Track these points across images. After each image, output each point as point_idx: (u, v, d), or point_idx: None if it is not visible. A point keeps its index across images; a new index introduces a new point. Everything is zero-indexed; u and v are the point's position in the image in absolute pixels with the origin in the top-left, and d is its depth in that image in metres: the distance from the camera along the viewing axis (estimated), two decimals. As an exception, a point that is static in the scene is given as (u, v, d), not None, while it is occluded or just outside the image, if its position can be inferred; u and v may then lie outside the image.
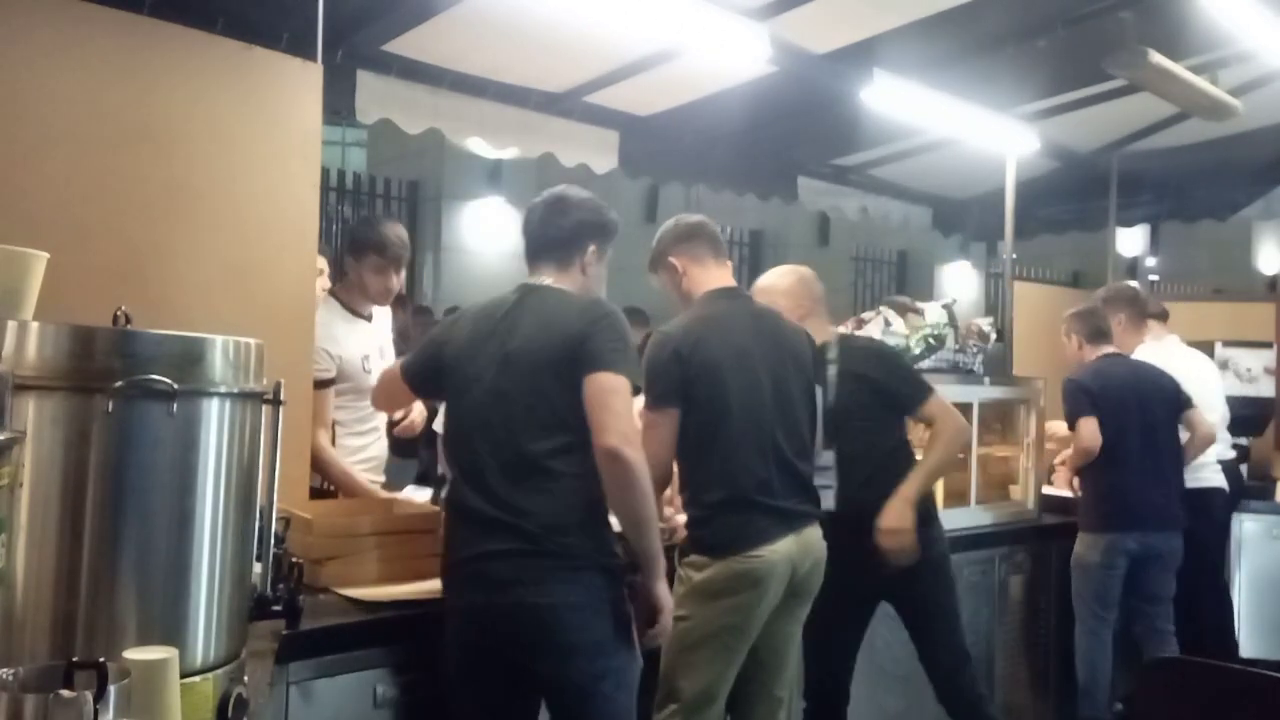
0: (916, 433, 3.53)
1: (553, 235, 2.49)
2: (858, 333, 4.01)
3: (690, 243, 2.92)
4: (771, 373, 2.76)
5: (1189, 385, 4.43)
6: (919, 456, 3.32)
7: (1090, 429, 4.14)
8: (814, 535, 2.78)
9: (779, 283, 3.33)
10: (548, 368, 2.28)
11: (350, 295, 3.41)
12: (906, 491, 3.11)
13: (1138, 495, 4.15)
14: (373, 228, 3.45)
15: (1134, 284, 6.11)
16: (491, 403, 2.29)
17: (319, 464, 3.15)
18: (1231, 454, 5.16)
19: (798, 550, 2.69)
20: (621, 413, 2.24)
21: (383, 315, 3.54)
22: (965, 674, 3.30)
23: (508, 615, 2.22)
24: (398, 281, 3.42)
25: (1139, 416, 4.19)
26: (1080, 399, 4.20)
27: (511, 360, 2.30)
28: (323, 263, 3.63)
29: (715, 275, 2.89)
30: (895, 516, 3.08)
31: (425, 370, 2.52)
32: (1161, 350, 4.76)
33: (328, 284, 3.51)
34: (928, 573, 3.20)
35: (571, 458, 2.25)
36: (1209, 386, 4.87)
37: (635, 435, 2.28)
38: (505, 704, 2.31)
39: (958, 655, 3.30)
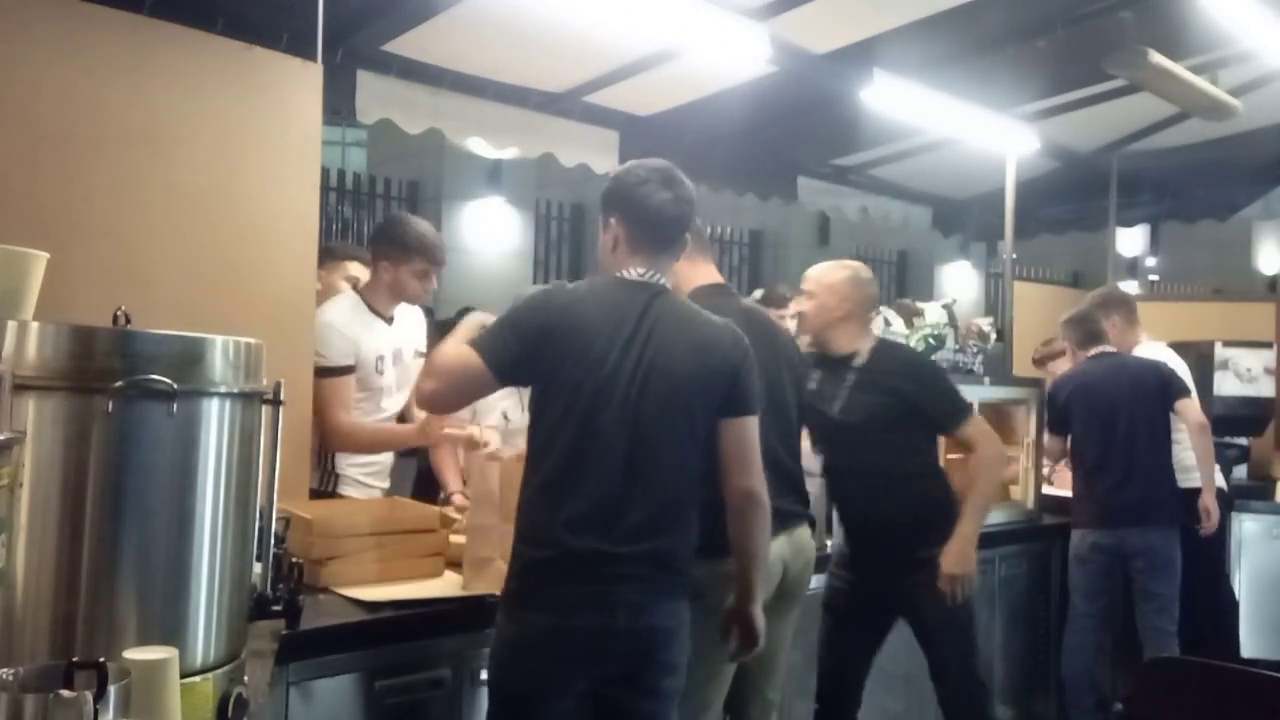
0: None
1: (680, 217, 2.31)
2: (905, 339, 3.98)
3: None
4: (766, 373, 2.76)
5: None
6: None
7: (1051, 444, 4.38)
8: (804, 535, 2.79)
9: (827, 275, 3.25)
10: (696, 397, 2.21)
11: (375, 295, 3.33)
12: (965, 531, 3.04)
13: (1111, 493, 4.18)
14: (413, 230, 3.33)
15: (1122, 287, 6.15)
16: (627, 418, 2.16)
17: (348, 440, 3.15)
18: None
19: (789, 550, 2.70)
20: (758, 455, 2.27)
21: (403, 318, 3.45)
22: (969, 698, 3.22)
23: (628, 637, 2.16)
24: (436, 283, 3.39)
25: (1115, 415, 4.22)
26: (1049, 411, 4.36)
27: (656, 377, 2.17)
28: (360, 268, 3.62)
29: (702, 271, 2.83)
30: (957, 560, 3.02)
31: (516, 359, 2.20)
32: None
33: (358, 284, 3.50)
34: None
35: (697, 487, 2.24)
36: None
37: (764, 477, 2.28)
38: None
39: (966, 676, 3.20)
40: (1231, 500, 5.04)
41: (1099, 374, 4.31)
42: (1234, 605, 5.05)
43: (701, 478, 2.25)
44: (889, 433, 3.10)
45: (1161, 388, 4.32)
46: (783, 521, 2.68)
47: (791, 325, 5.49)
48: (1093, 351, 4.40)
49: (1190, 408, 4.36)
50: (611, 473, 2.15)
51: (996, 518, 4.32)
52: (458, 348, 2.23)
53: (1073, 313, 4.60)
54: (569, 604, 2.12)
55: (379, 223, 8.15)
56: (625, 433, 2.15)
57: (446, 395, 2.31)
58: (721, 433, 2.24)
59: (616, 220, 2.31)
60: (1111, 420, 4.21)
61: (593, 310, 2.21)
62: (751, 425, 2.26)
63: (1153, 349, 4.73)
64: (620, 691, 2.21)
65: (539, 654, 2.14)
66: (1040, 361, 5.27)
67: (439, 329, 3.48)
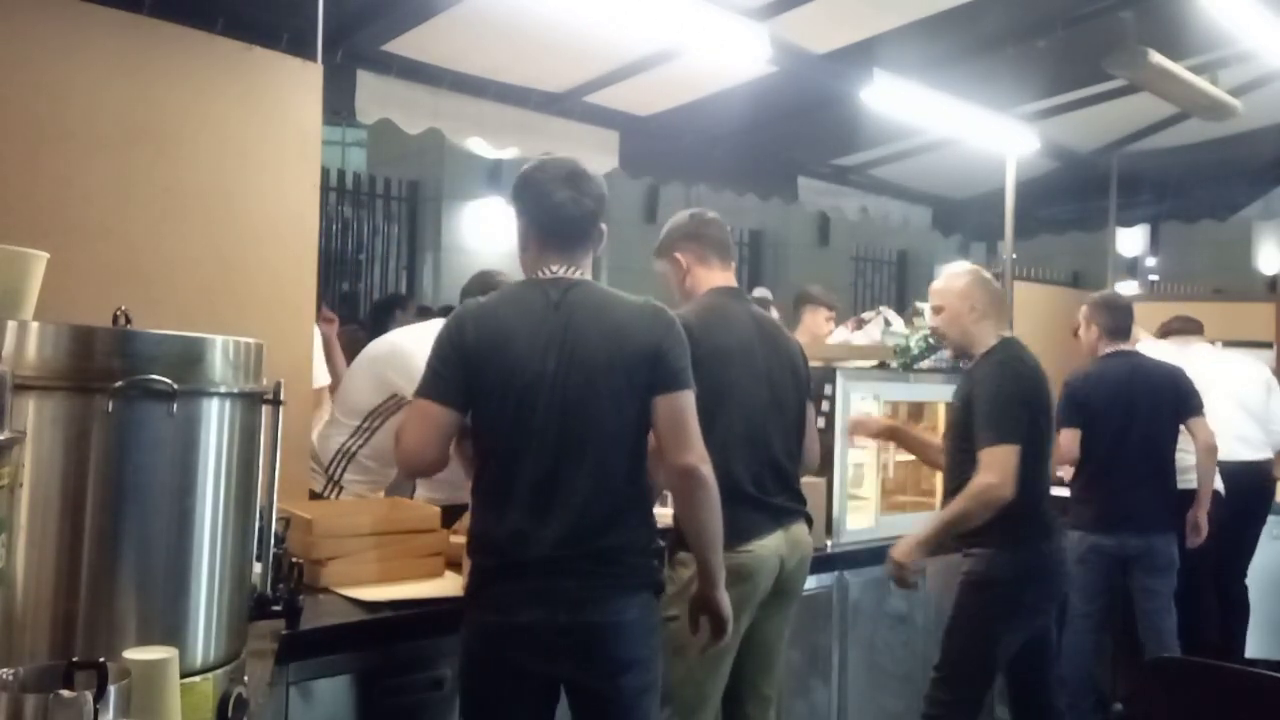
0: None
1: (582, 216, 2.28)
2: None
3: (698, 242, 2.88)
4: (770, 373, 2.77)
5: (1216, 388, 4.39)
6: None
7: (1068, 440, 4.17)
8: (801, 532, 2.80)
9: (952, 283, 3.29)
10: (619, 381, 2.18)
11: None
12: (919, 531, 3.08)
13: (1113, 500, 4.11)
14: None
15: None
16: (553, 415, 2.15)
17: None
18: (1265, 455, 5.08)
19: (786, 546, 2.71)
20: (696, 430, 2.21)
21: None
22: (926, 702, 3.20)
23: (570, 633, 2.15)
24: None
25: (1129, 420, 4.14)
26: (1066, 407, 4.19)
27: (576, 369, 2.16)
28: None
29: (719, 277, 2.89)
30: (901, 550, 3.06)
31: (459, 386, 2.19)
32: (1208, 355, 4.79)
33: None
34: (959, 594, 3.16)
35: (637, 474, 2.24)
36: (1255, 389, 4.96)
37: (706, 452, 2.24)
38: (533, 714, 2.26)
39: (933, 683, 3.19)
40: (1258, 503, 5.00)
41: (1116, 377, 4.20)
42: (1245, 607, 5.04)
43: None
44: (961, 439, 3.13)
45: (1178, 400, 4.25)
46: (779, 518, 2.71)
47: (830, 326, 5.48)
48: (1114, 348, 4.30)
49: (1202, 427, 4.28)
50: (544, 473, 2.15)
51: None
52: (410, 406, 2.26)
53: (1108, 296, 4.49)
54: (512, 603, 2.15)
55: None
56: (554, 431, 2.15)
57: (423, 452, 2.20)
58: (654, 411, 2.20)
59: (525, 222, 2.31)
60: (1124, 428, 4.13)
61: (505, 316, 2.20)
62: (685, 399, 2.21)
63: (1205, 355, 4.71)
64: (589, 683, 2.23)
65: (491, 653, 2.18)
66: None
67: (420, 315, 3.50)
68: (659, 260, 2.96)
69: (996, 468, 2.94)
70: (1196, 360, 4.69)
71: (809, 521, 2.86)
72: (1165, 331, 5.21)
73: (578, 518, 2.15)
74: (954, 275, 3.34)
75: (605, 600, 2.17)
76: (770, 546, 2.66)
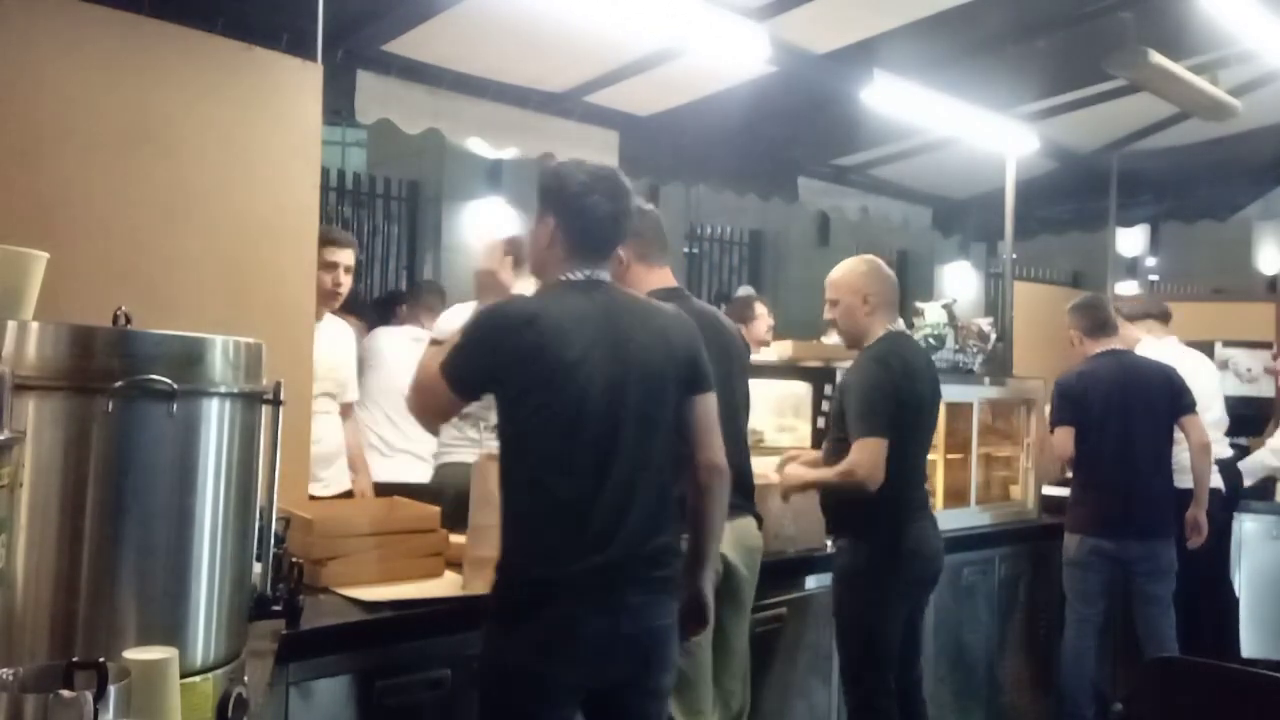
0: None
1: (617, 224, 2.28)
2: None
3: (639, 236, 2.71)
4: (718, 370, 2.74)
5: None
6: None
7: (1063, 438, 4.15)
8: (747, 525, 2.83)
9: (848, 277, 3.30)
10: (669, 384, 2.23)
11: None
12: (806, 475, 3.23)
13: (1114, 503, 4.09)
14: None
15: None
16: (619, 419, 2.14)
17: None
18: (1229, 453, 5.15)
19: (731, 537, 2.72)
20: (719, 429, 2.32)
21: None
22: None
23: (633, 641, 2.15)
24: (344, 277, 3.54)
25: (1124, 420, 4.12)
26: (1060, 405, 4.18)
27: (633, 373, 2.17)
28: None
29: (658, 275, 2.84)
30: (789, 480, 3.22)
31: (493, 374, 2.17)
32: (1160, 350, 4.75)
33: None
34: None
35: (675, 475, 2.26)
36: (1206, 387, 4.86)
37: None
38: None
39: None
40: (1234, 501, 5.02)
41: (1108, 376, 4.17)
42: (1234, 605, 5.04)
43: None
44: (836, 428, 3.23)
45: (1172, 398, 4.22)
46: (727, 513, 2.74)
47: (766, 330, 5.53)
48: (1104, 346, 4.27)
49: (1195, 425, 4.25)
50: (620, 480, 2.13)
51: (997, 518, 4.33)
52: (431, 367, 2.22)
53: (1080, 299, 4.48)
54: (574, 615, 2.10)
55: None
56: (616, 438, 2.14)
57: (422, 412, 2.36)
58: (690, 410, 2.27)
59: (555, 222, 2.26)
60: (1120, 428, 4.11)
61: (559, 317, 2.15)
62: (713, 400, 2.31)
63: (1153, 349, 4.71)
64: (622, 694, 2.21)
65: (543, 665, 2.11)
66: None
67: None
68: None
69: (865, 459, 3.04)
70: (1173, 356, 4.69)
71: (758, 518, 2.92)
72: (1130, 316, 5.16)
73: (641, 523, 2.15)
74: (850, 267, 3.33)
75: (659, 605, 2.19)
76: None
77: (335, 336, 3.71)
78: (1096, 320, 4.32)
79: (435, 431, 2.28)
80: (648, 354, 2.20)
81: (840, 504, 3.20)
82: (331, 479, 3.59)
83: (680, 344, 2.27)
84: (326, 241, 3.40)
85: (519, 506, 2.18)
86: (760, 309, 5.69)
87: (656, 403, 2.20)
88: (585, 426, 2.12)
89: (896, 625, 3.21)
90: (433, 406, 2.30)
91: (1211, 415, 4.88)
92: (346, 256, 3.57)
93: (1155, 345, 4.85)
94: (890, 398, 3.10)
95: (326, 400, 3.59)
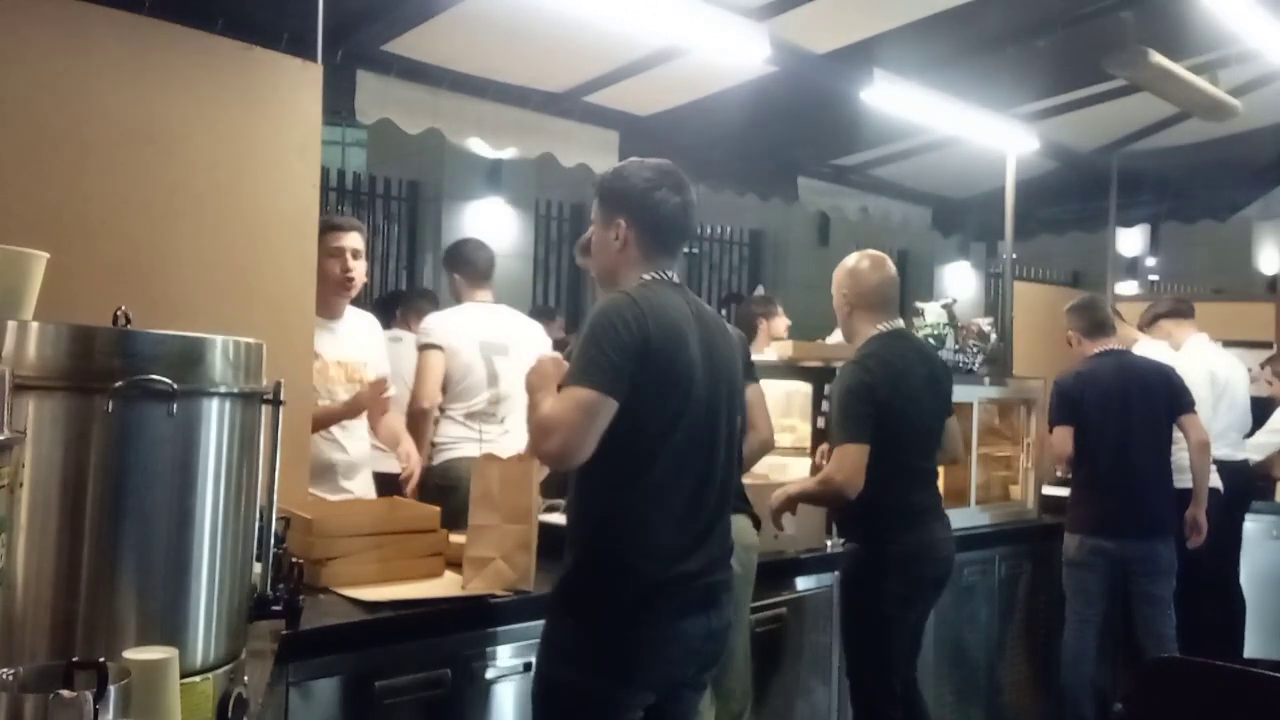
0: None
1: (689, 221, 2.32)
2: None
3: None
4: (723, 362, 2.77)
5: (1203, 388, 4.38)
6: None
7: (1062, 437, 4.15)
8: (742, 524, 2.81)
9: (835, 274, 3.31)
10: (739, 381, 2.38)
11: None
12: (791, 489, 3.19)
13: (1114, 503, 4.09)
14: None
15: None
16: (718, 415, 2.22)
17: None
18: (1241, 456, 5.14)
19: None
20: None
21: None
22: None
23: (718, 636, 2.24)
24: (354, 262, 3.38)
25: (1123, 421, 4.11)
26: (1059, 404, 4.17)
27: (721, 370, 2.26)
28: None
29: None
30: (777, 501, 3.17)
31: (632, 374, 2.10)
32: (1192, 349, 4.79)
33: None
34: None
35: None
36: (1238, 388, 4.99)
37: None
38: None
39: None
40: (1244, 501, 5.03)
41: (1106, 376, 4.17)
42: (1241, 607, 5.04)
43: None
44: (831, 436, 3.20)
45: (1171, 398, 4.22)
46: None
47: (784, 327, 5.59)
48: (1102, 346, 4.26)
49: (1194, 424, 4.25)
50: (720, 475, 2.23)
51: (997, 518, 4.33)
52: (562, 397, 2.11)
53: (1077, 300, 4.47)
54: (679, 612, 2.15)
55: None
56: (715, 438, 2.23)
57: (578, 443, 2.08)
58: (748, 396, 2.61)
59: (626, 222, 2.25)
60: (1120, 428, 4.11)
61: (670, 313, 2.16)
62: (760, 386, 2.69)
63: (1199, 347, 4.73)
64: (682, 691, 2.27)
65: (649, 661, 2.14)
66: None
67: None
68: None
69: (843, 466, 3.02)
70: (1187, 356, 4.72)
71: (756, 521, 2.93)
72: (1154, 317, 5.21)
73: (726, 522, 2.29)
74: (840, 265, 3.33)
75: (730, 600, 2.29)
76: None
77: (367, 330, 3.56)
78: (1094, 320, 4.32)
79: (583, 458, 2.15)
80: (728, 355, 2.31)
81: (847, 507, 3.15)
82: (357, 489, 3.43)
83: (737, 342, 2.46)
84: (329, 227, 3.30)
85: (626, 506, 2.15)
86: (779, 307, 5.81)
87: (737, 400, 2.36)
88: (696, 426, 2.17)
89: (903, 629, 3.18)
90: (588, 425, 2.06)
91: (1235, 415, 4.93)
92: (353, 240, 3.39)
93: (1195, 343, 4.95)
94: (866, 401, 3.04)
95: None
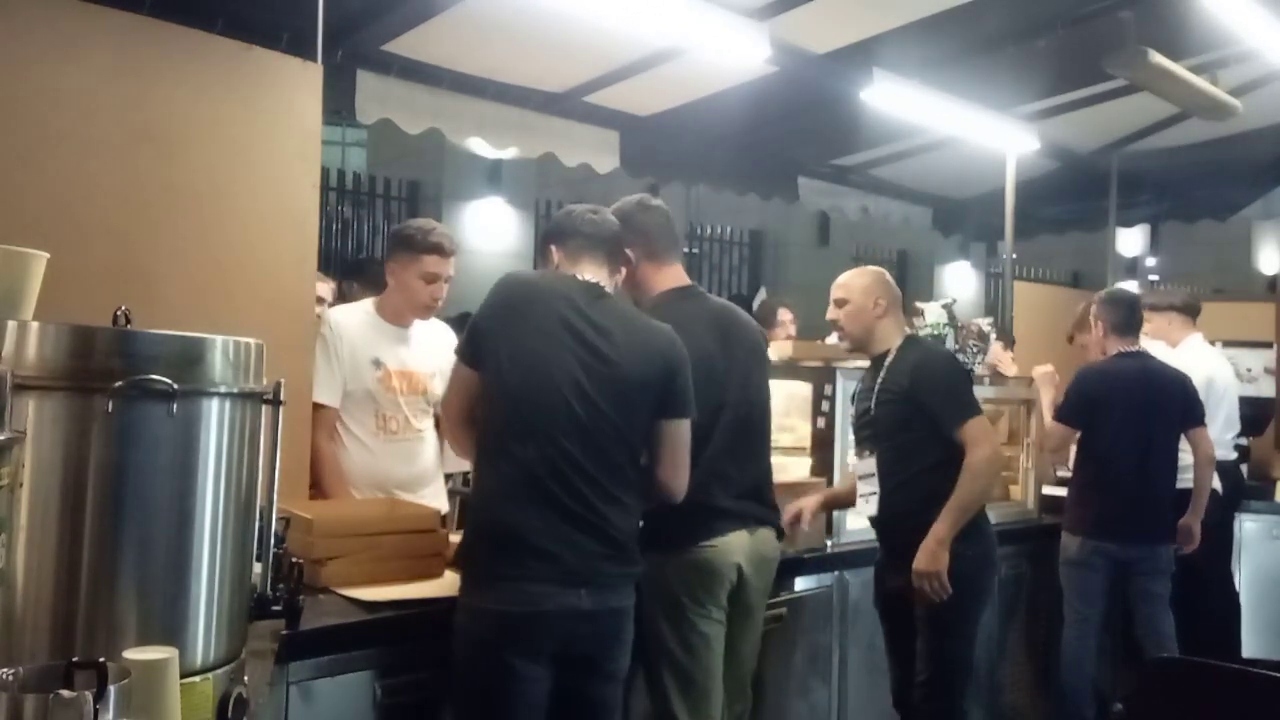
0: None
1: (611, 231, 2.55)
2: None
3: (646, 236, 2.74)
4: (741, 370, 2.78)
5: (1201, 392, 4.36)
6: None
7: (1059, 434, 4.17)
8: (766, 536, 2.80)
9: (857, 280, 3.31)
10: (641, 397, 2.37)
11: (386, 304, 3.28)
12: (938, 530, 3.00)
13: (1122, 506, 4.07)
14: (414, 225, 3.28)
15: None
16: (583, 411, 2.28)
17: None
18: (1232, 455, 5.15)
19: (748, 548, 2.72)
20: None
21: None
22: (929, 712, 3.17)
23: (595, 618, 2.31)
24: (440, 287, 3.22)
25: (1137, 425, 4.09)
26: (1075, 402, 4.13)
27: (607, 373, 2.31)
28: (326, 289, 3.57)
29: (670, 275, 2.79)
30: (927, 559, 2.99)
31: (483, 349, 2.37)
32: (1184, 349, 4.78)
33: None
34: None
35: (636, 475, 2.40)
36: (1226, 387, 4.97)
37: None
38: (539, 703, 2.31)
39: (934, 683, 3.13)
40: (1235, 501, 5.03)
41: (1127, 379, 4.13)
42: (1236, 606, 5.04)
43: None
44: (901, 431, 3.14)
45: (1186, 409, 4.20)
46: (744, 521, 2.74)
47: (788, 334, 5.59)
48: (1125, 346, 4.21)
49: (1204, 437, 4.24)
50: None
51: (997, 518, 4.32)
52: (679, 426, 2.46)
53: (1114, 292, 4.42)
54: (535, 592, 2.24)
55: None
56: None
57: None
58: (662, 431, 2.50)
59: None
60: (1132, 433, 4.08)
61: (530, 303, 2.37)
62: (685, 428, 2.49)
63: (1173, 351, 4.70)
64: (579, 676, 2.31)
65: (511, 638, 2.25)
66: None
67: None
68: None
69: (984, 438, 3.07)
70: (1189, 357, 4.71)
71: (779, 531, 2.89)
72: (1168, 305, 5.17)
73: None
74: (860, 272, 3.36)
75: (620, 587, 2.42)
76: (733, 544, 2.69)
77: (441, 339, 3.28)
78: (1128, 319, 4.25)
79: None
80: (623, 359, 2.35)
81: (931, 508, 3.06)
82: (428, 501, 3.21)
83: (659, 358, 2.43)
84: (430, 248, 3.13)
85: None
86: (786, 314, 5.82)
87: (620, 405, 2.34)
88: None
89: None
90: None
91: (1228, 417, 4.94)
92: (450, 268, 3.21)
93: (1192, 344, 4.92)
94: (969, 382, 3.26)
95: (426, 416, 3.28)
